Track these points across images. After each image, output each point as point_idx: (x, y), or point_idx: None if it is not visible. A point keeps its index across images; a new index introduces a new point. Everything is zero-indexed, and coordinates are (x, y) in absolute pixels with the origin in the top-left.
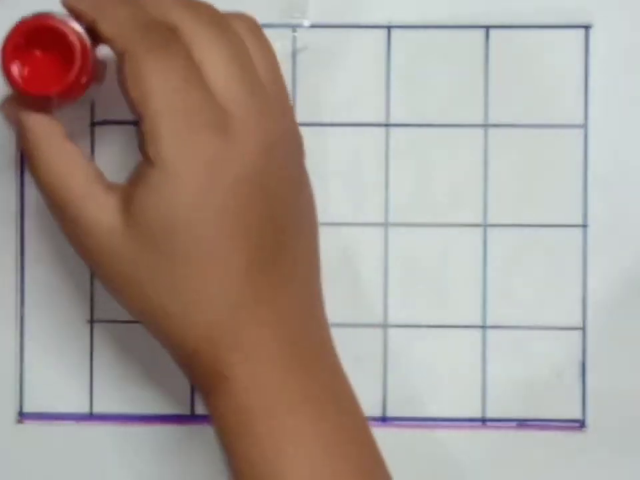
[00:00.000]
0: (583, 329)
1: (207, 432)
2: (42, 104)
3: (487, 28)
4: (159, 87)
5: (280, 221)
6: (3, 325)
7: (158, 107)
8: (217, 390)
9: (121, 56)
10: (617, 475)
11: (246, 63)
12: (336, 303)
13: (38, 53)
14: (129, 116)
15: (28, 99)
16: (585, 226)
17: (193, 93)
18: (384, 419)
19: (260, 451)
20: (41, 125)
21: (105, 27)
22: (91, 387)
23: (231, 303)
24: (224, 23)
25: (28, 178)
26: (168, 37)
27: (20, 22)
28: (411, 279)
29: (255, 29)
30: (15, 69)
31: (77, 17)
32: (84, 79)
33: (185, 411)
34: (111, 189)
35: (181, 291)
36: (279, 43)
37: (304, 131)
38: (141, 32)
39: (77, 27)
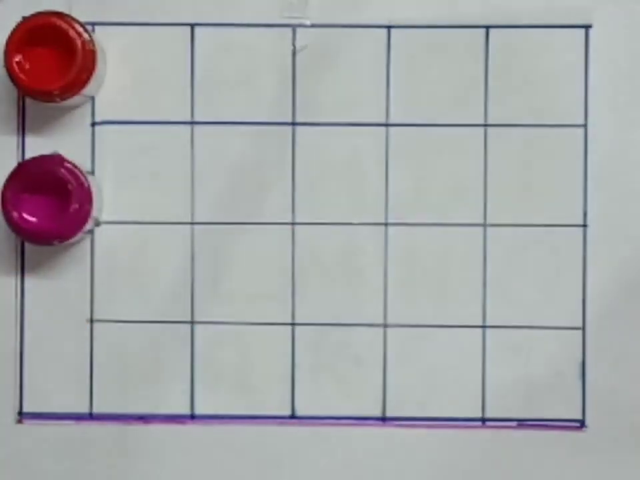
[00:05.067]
0: (583, 328)
1: (206, 432)
2: (44, 99)
3: (487, 28)
4: None
5: None
6: (3, 325)
7: None
8: None
9: None
10: (617, 474)
11: None
12: (336, 303)
13: (40, 49)
14: (129, 116)
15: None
16: (584, 226)
17: None
18: (384, 419)
19: None
20: None
21: None
22: (91, 387)
23: None
24: None
25: None
26: None
27: (22, 20)
28: (411, 279)
29: None
30: (18, 65)
31: None
32: (85, 75)
33: (186, 410)
34: None
35: None
36: (279, 43)
37: (304, 130)
38: None
39: (78, 24)
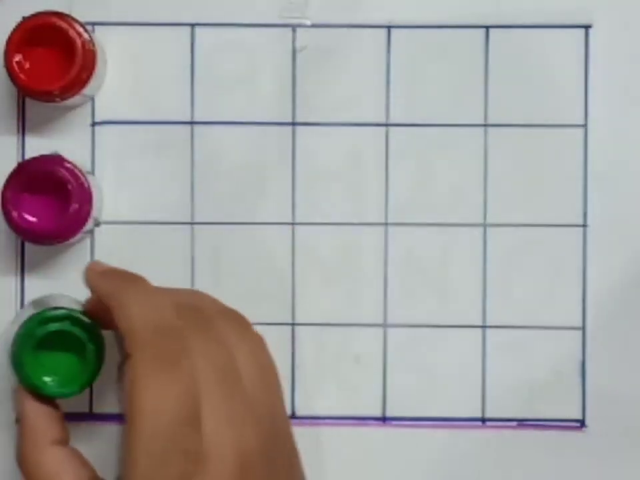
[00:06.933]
0: (583, 328)
1: None
2: (44, 99)
3: (487, 28)
4: (150, 405)
5: None
6: (3, 325)
7: (143, 427)
8: None
9: (126, 357)
10: (617, 475)
11: (229, 370)
12: (336, 303)
13: (40, 49)
14: (129, 116)
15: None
16: (585, 226)
17: (180, 418)
18: (384, 419)
19: None
20: (38, 426)
21: (119, 321)
22: (91, 387)
23: None
24: (213, 328)
25: None
26: (176, 351)
27: (22, 20)
28: (411, 279)
29: (246, 329)
30: (18, 65)
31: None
32: (85, 75)
33: None
34: None
35: None
36: (279, 43)
37: (304, 130)
38: (151, 337)
39: (78, 24)
